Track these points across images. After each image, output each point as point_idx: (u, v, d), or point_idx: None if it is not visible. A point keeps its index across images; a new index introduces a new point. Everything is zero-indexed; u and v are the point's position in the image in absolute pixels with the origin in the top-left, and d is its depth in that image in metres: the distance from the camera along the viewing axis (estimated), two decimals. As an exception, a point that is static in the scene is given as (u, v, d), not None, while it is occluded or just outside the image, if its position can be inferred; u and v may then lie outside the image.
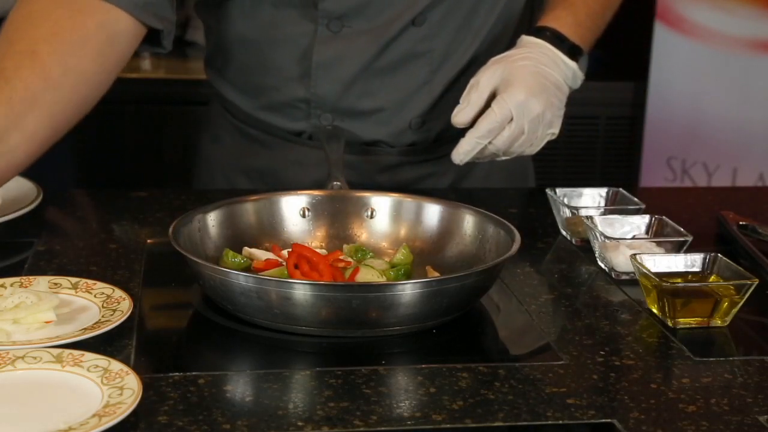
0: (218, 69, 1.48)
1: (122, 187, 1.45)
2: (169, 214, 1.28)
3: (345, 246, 1.16)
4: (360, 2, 1.34)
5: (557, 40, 1.33)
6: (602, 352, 0.97)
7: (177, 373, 0.90)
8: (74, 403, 0.82)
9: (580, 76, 1.36)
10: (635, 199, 1.28)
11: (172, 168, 2.66)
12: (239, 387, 0.89)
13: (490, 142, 1.27)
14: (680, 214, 1.34)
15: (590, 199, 1.31)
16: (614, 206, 1.29)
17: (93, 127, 2.76)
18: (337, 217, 1.19)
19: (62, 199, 1.38)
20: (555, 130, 1.31)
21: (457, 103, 1.30)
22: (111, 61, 1.21)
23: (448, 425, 0.83)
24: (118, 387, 0.82)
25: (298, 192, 1.20)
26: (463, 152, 1.28)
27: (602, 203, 1.31)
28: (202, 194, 1.41)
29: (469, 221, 1.15)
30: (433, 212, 1.17)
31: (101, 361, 0.86)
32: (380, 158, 1.44)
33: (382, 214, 1.19)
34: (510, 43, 1.39)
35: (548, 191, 1.31)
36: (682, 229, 1.17)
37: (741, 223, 1.31)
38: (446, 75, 1.41)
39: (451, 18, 1.38)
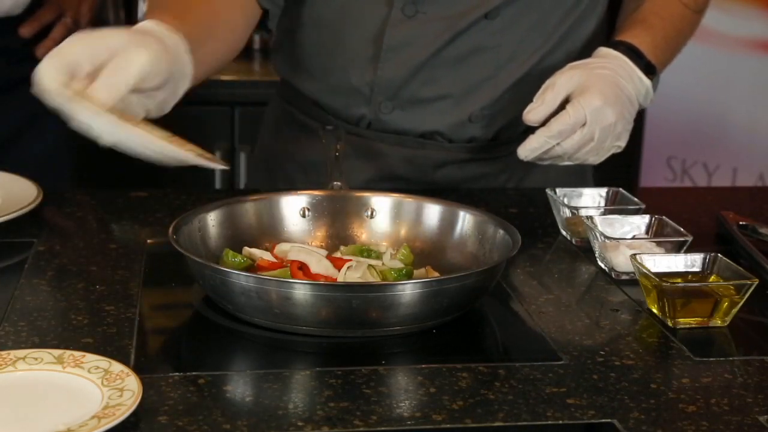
0: (288, 54, 1.50)
1: (122, 187, 1.45)
2: (169, 214, 1.28)
3: (343, 247, 1.16)
4: None
5: (634, 55, 1.34)
6: (602, 352, 0.97)
7: (177, 373, 0.90)
8: (74, 404, 0.82)
9: (651, 95, 1.36)
10: (635, 199, 1.28)
11: (172, 168, 2.66)
12: (239, 387, 0.89)
13: (558, 144, 1.27)
14: (680, 214, 1.34)
15: (590, 199, 1.31)
16: (614, 206, 1.29)
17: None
18: (337, 217, 1.19)
19: (62, 199, 1.38)
20: (622, 143, 1.32)
21: (520, 102, 1.30)
22: (248, 24, 1.39)
23: (448, 425, 0.83)
24: (119, 388, 0.82)
25: (298, 192, 1.20)
26: (530, 148, 1.28)
27: (602, 203, 1.31)
28: (202, 194, 1.41)
29: (469, 221, 1.15)
30: (433, 212, 1.17)
31: (102, 362, 0.86)
32: (436, 153, 1.44)
33: (382, 214, 1.19)
34: (581, 54, 1.40)
35: (548, 191, 1.31)
36: (682, 229, 1.17)
37: (741, 223, 1.31)
38: (512, 72, 1.41)
39: (524, 16, 1.38)
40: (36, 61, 1.78)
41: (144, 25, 1.12)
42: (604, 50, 1.35)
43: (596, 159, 1.32)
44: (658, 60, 1.37)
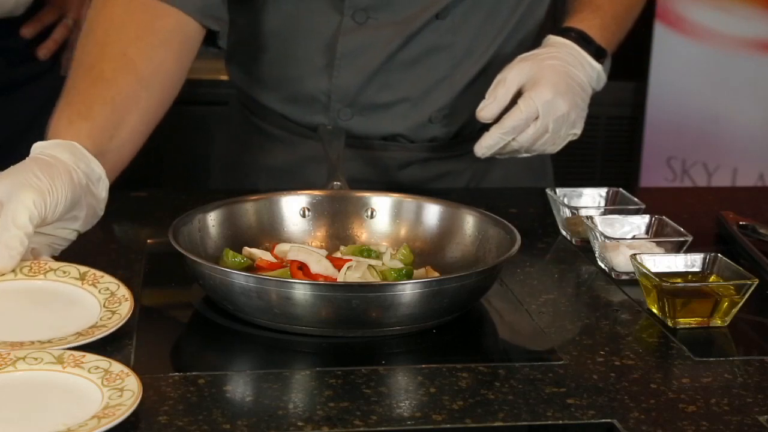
0: (240, 64, 1.49)
1: (122, 187, 1.45)
2: (169, 214, 1.27)
3: (343, 247, 1.16)
4: None
5: (583, 41, 1.35)
6: (602, 352, 0.97)
7: (177, 373, 0.90)
8: (74, 404, 0.82)
9: (603, 78, 1.37)
10: (635, 199, 1.28)
11: (172, 168, 2.66)
12: (239, 387, 0.89)
13: (513, 139, 1.28)
14: (680, 214, 1.34)
15: (590, 199, 1.31)
16: (614, 206, 1.29)
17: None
18: (337, 217, 1.19)
19: (62, 199, 1.38)
20: (577, 130, 1.33)
21: (479, 99, 1.31)
22: (186, 60, 1.29)
23: (448, 425, 0.83)
24: (119, 389, 0.82)
25: (298, 192, 1.20)
26: (486, 146, 1.29)
27: (602, 203, 1.31)
28: (202, 194, 1.41)
29: (469, 221, 1.15)
30: (433, 212, 1.17)
31: (102, 362, 0.86)
32: (399, 154, 1.44)
33: (382, 214, 1.19)
34: (533, 44, 1.40)
35: (548, 191, 1.31)
36: (682, 229, 1.17)
37: (741, 223, 1.31)
38: (468, 70, 1.41)
39: (474, 13, 1.38)
40: (37, 62, 1.79)
41: (36, 149, 1.09)
42: (553, 38, 1.35)
43: (553, 148, 1.33)
44: (608, 41, 1.38)
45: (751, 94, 2.76)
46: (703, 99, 2.80)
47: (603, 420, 0.85)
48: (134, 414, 0.80)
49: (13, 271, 1.01)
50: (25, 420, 0.80)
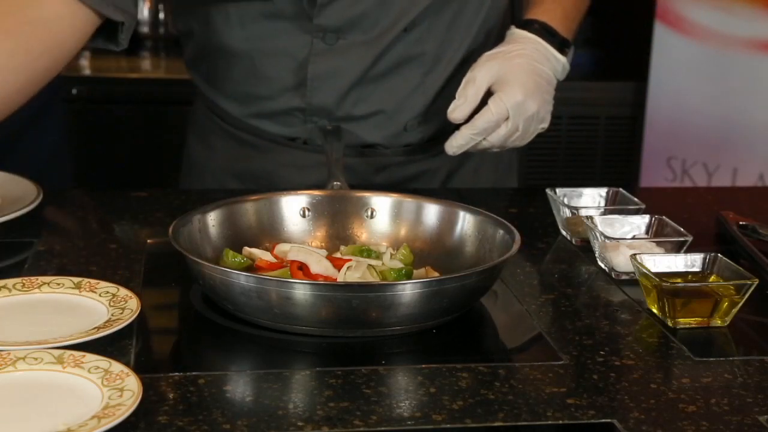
0: (204, 74, 1.47)
1: (122, 187, 1.45)
2: (169, 214, 1.28)
3: (343, 247, 1.16)
4: (354, 16, 1.35)
5: (548, 34, 1.35)
6: (602, 352, 0.97)
7: (177, 373, 0.90)
8: (74, 404, 0.82)
9: (567, 69, 1.38)
10: (635, 199, 1.28)
11: (172, 168, 2.66)
12: (239, 387, 0.89)
13: (484, 138, 1.30)
14: (680, 214, 1.34)
15: (590, 199, 1.31)
16: (614, 206, 1.29)
17: (93, 127, 2.77)
18: (337, 217, 1.19)
19: (62, 199, 1.38)
20: (545, 124, 1.35)
21: (451, 102, 1.31)
22: (66, 42, 1.19)
23: (448, 425, 0.83)
24: (119, 389, 0.82)
25: (298, 192, 1.20)
26: (456, 145, 1.31)
27: (602, 203, 1.31)
28: (202, 194, 1.41)
29: (469, 221, 1.15)
30: (433, 212, 1.17)
31: (102, 362, 0.86)
32: (376, 159, 1.45)
33: (382, 214, 1.19)
34: (498, 34, 1.41)
35: (548, 191, 1.31)
36: (682, 229, 1.17)
37: (741, 223, 1.31)
38: (439, 76, 1.42)
39: (439, 20, 1.39)
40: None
41: None
42: (517, 32, 1.36)
43: (523, 143, 1.34)
44: (570, 30, 1.39)
45: (751, 94, 2.76)
46: (703, 99, 2.80)
47: (603, 420, 0.85)
48: (134, 414, 0.80)
49: (7, 287, 1.02)
50: (25, 420, 0.80)
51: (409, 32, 1.37)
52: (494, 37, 1.43)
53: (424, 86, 1.41)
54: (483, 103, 1.30)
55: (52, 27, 1.18)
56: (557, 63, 1.35)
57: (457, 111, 1.29)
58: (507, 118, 1.28)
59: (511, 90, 1.28)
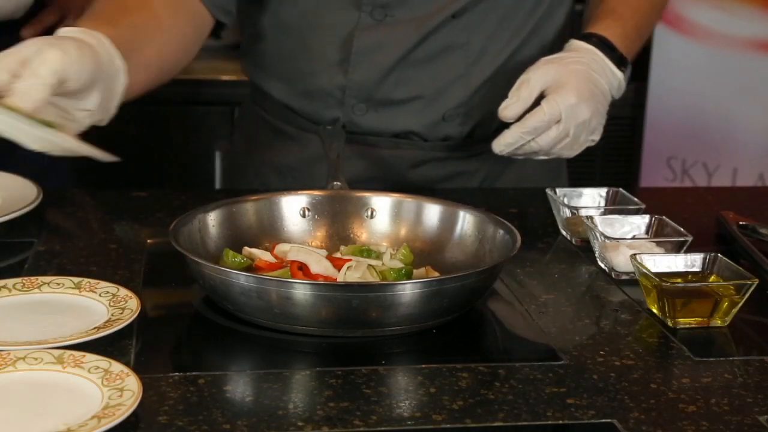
0: (255, 57, 1.50)
1: (122, 187, 1.45)
2: (169, 214, 1.28)
3: (343, 247, 1.16)
4: None
5: (607, 48, 1.34)
6: (602, 352, 0.97)
7: (177, 373, 0.90)
8: (74, 404, 0.82)
9: (623, 87, 1.37)
10: (635, 199, 1.28)
11: (172, 168, 2.66)
12: (239, 387, 0.89)
13: (533, 140, 1.28)
14: (680, 214, 1.34)
15: (590, 199, 1.31)
16: (614, 206, 1.29)
17: (93, 127, 2.76)
18: (337, 217, 1.19)
19: (62, 199, 1.38)
20: (596, 137, 1.33)
21: (493, 99, 1.31)
22: (198, 33, 1.38)
23: (448, 425, 0.83)
24: (118, 389, 0.82)
25: (298, 192, 1.20)
26: (504, 143, 1.29)
27: (602, 203, 1.31)
28: (202, 194, 1.41)
29: (469, 221, 1.15)
30: (433, 212, 1.17)
31: (102, 362, 0.86)
32: (411, 153, 1.45)
33: (382, 214, 1.19)
34: (552, 46, 1.40)
35: (548, 191, 1.31)
36: (682, 229, 1.17)
37: (741, 223, 1.30)
38: (483, 69, 1.41)
39: (490, 15, 1.39)
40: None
41: (63, 30, 1.12)
42: (576, 43, 1.35)
43: (571, 153, 1.32)
44: (629, 50, 1.38)
45: (751, 94, 2.76)
46: (703, 99, 2.80)
47: (603, 420, 0.85)
48: (134, 414, 0.80)
49: (7, 287, 1.02)
50: (25, 420, 0.80)
51: (458, 19, 1.37)
52: (546, 49, 1.42)
53: (467, 77, 1.41)
54: (535, 106, 1.29)
55: (198, 13, 1.36)
56: (613, 78, 1.34)
57: (508, 109, 1.28)
58: (558, 121, 1.27)
59: (566, 93, 1.26)
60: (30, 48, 1.06)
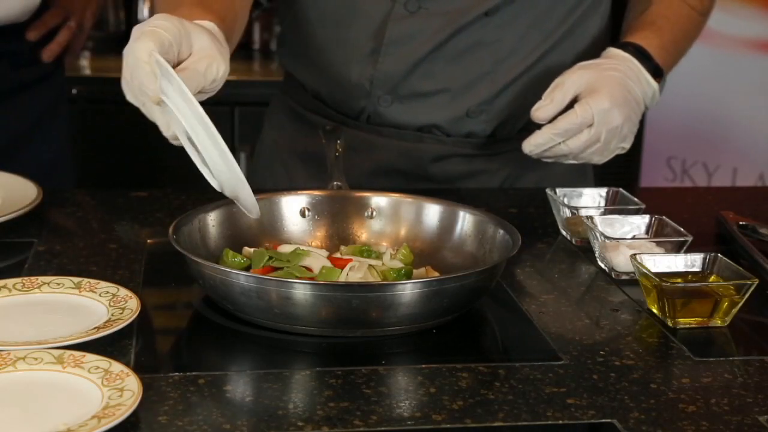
0: (290, 46, 1.52)
1: (122, 187, 1.45)
2: (169, 214, 1.28)
3: (343, 247, 1.16)
4: None
5: (643, 57, 1.35)
6: (602, 352, 0.97)
7: (177, 373, 0.90)
8: (74, 404, 0.82)
9: (657, 98, 1.37)
10: (635, 199, 1.28)
11: (173, 168, 2.66)
12: (239, 387, 0.89)
13: (564, 142, 1.28)
14: (680, 214, 1.34)
15: (590, 199, 1.31)
16: (614, 206, 1.29)
17: (93, 127, 2.77)
18: (337, 217, 1.19)
19: (62, 199, 1.38)
20: (627, 145, 1.33)
21: (518, 99, 1.31)
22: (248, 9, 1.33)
23: (448, 425, 0.83)
24: (119, 389, 0.82)
25: (298, 192, 1.20)
26: (535, 143, 1.29)
27: (602, 203, 1.31)
28: (202, 194, 1.41)
29: (469, 221, 1.15)
30: (433, 212, 1.17)
31: (102, 362, 0.86)
32: (433, 147, 1.45)
33: (382, 214, 1.19)
34: (585, 53, 1.41)
35: (548, 191, 1.31)
36: (682, 229, 1.17)
37: (741, 223, 1.31)
38: (510, 69, 1.41)
39: (524, 14, 1.39)
40: (42, 65, 1.80)
41: (207, 24, 1.08)
42: (613, 51, 1.36)
43: (600, 159, 1.32)
44: (665, 62, 1.38)
45: (751, 94, 2.76)
46: (703, 99, 2.80)
47: (603, 420, 0.85)
48: (134, 414, 0.80)
49: (7, 287, 1.02)
50: (25, 420, 0.80)
51: (491, 16, 1.38)
52: (576, 55, 1.42)
53: (494, 75, 1.41)
54: (568, 110, 1.29)
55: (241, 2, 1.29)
56: (648, 87, 1.34)
57: (541, 110, 1.28)
58: (591, 125, 1.27)
59: (600, 97, 1.27)
60: (202, 41, 1.03)
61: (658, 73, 1.36)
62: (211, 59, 1.03)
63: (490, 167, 1.48)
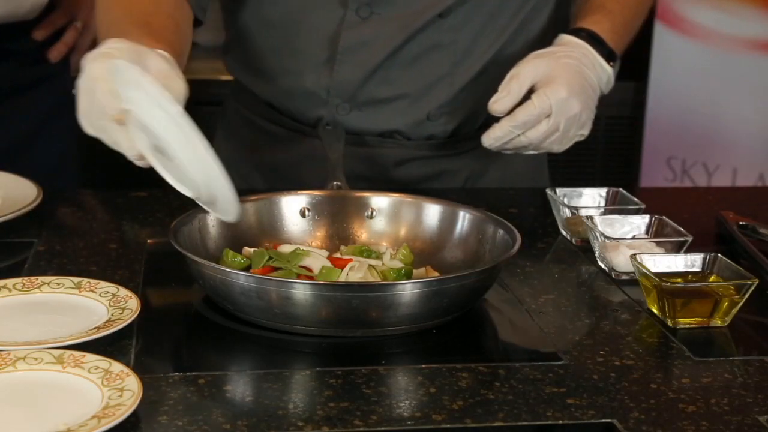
0: (238, 55, 1.49)
1: (122, 187, 1.45)
2: (169, 214, 1.28)
3: (343, 247, 1.16)
4: None
5: (596, 42, 1.35)
6: (602, 352, 0.97)
7: (177, 373, 0.90)
8: (74, 404, 0.82)
9: (611, 82, 1.37)
10: (635, 199, 1.28)
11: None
12: (239, 387, 0.89)
13: (523, 134, 1.28)
14: (680, 214, 1.34)
15: (590, 199, 1.31)
16: (614, 206, 1.29)
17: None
18: (337, 217, 1.19)
19: (62, 199, 1.38)
20: (585, 131, 1.33)
21: (477, 98, 1.31)
22: (191, 28, 1.32)
23: (448, 425, 0.83)
24: (119, 389, 0.83)
25: (298, 192, 1.20)
26: (494, 137, 1.29)
27: (602, 203, 1.31)
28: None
29: (469, 221, 1.15)
30: (433, 212, 1.17)
31: (102, 362, 0.86)
32: (395, 151, 1.44)
33: (382, 214, 1.19)
34: (536, 44, 1.40)
35: (548, 191, 1.31)
36: (682, 229, 1.17)
37: (741, 223, 1.30)
38: (468, 69, 1.41)
39: (476, 14, 1.39)
40: (48, 64, 1.80)
41: (160, 51, 1.07)
42: (566, 38, 1.35)
43: (560, 147, 1.32)
44: (617, 46, 1.38)
45: (751, 94, 2.76)
46: (703, 99, 2.80)
47: (603, 420, 0.85)
48: (134, 414, 0.80)
49: (7, 287, 1.02)
50: (25, 420, 0.80)
51: (444, 18, 1.37)
52: (530, 48, 1.41)
53: (452, 77, 1.41)
54: (525, 100, 1.29)
55: (186, 13, 1.30)
56: (603, 72, 1.34)
57: (498, 103, 1.28)
58: (549, 115, 1.27)
59: (556, 87, 1.27)
60: (160, 64, 1.02)
61: (611, 57, 1.36)
62: (169, 79, 1.01)
63: (452, 167, 1.48)
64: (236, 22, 1.46)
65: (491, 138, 1.29)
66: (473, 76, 1.41)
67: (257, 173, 1.49)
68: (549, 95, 1.26)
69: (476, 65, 1.41)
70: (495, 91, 1.29)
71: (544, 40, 1.40)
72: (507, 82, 1.29)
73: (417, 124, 1.43)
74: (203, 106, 1.62)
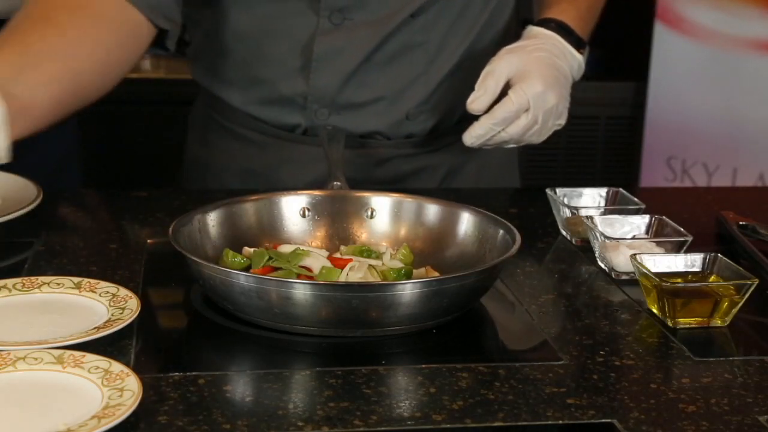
0: (207, 64, 1.47)
1: (122, 187, 1.45)
2: (169, 214, 1.28)
3: (343, 247, 1.16)
4: None
5: (564, 32, 1.36)
6: (602, 352, 0.97)
7: (177, 373, 0.90)
8: (74, 404, 0.82)
9: (582, 69, 1.39)
10: (635, 199, 1.28)
11: (172, 168, 2.67)
12: (239, 387, 0.89)
13: (503, 129, 1.29)
14: (680, 214, 1.34)
15: (590, 199, 1.31)
16: (614, 206, 1.29)
17: (94, 127, 2.77)
18: (337, 217, 1.19)
19: (62, 199, 1.38)
20: (562, 121, 1.35)
21: (453, 94, 1.32)
22: (133, 50, 1.30)
23: (448, 425, 0.83)
24: (119, 389, 0.82)
25: (298, 192, 1.20)
26: (475, 135, 1.30)
27: (602, 203, 1.31)
28: (202, 194, 1.41)
29: (469, 221, 1.15)
30: (433, 212, 1.17)
31: (102, 362, 0.86)
32: (376, 151, 1.45)
33: (382, 214, 1.19)
34: (502, 40, 1.42)
35: (548, 191, 1.31)
36: (682, 229, 1.17)
37: (741, 223, 1.31)
38: (442, 67, 1.42)
39: (447, 11, 1.40)
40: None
41: None
42: (535, 30, 1.37)
43: (539, 139, 1.34)
44: (584, 32, 1.40)
45: (751, 94, 2.76)
46: (703, 99, 2.80)
47: (603, 420, 0.85)
48: (134, 414, 0.80)
49: (7, 287, 1.02)
50: (25, 420, 0.80)
51: (416, 18, 1.38)
52: (498, 40, 1.44)
53: (427, 75, 1.42)
54: (501, 96, 1.30)
55: (133, 23, 1.28)
56: (573, 61, 1.36)
57: (476, 102, 1.29)
58: (527, 110, 1.28)
59: (532, 81, 1.28)
60: None
61: (580, 44, 1.38)
62: None
63: (432, 163, 1.49)
64: (204, 31, 1.45)
65: (473, 136, 1.30)
66: (448, 73, 1.43)
67: (235, 178, 1.49)
68: (526, 90, 1.27)
69: (450, 62, 1.42)
70: (471, 86, 1.30)
71: (509, 31, 1.42)
72: (482, 80, 1.30)
73: (396, 124, 1.44)
74: (182, 106, 1.62)
